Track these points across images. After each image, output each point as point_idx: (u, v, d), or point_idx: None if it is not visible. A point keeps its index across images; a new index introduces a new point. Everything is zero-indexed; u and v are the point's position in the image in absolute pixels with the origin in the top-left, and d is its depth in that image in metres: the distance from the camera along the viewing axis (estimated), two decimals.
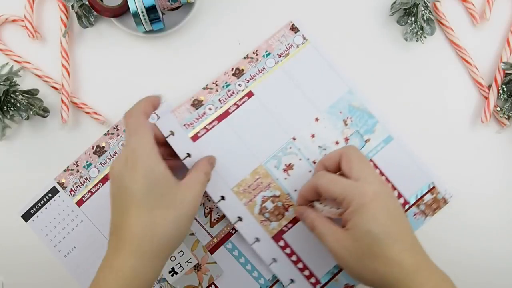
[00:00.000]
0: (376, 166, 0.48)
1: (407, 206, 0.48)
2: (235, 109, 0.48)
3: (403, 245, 0.37)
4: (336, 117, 0.48)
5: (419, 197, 0.49)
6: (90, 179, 0.48)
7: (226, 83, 0.48)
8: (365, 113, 0.48)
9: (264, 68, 0.48)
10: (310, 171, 0.48)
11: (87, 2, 0.46)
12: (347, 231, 0.38)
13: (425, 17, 0.46)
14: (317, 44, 0.48)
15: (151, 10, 0.44)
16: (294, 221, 0.48)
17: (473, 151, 0.49)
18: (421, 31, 0.46)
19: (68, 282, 0.49)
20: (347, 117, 0.48)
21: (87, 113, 0.48)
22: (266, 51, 0.48)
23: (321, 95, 0.48)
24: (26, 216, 0.49)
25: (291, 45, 0.48)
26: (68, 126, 0.49)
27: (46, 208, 0.49)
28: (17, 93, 0.46)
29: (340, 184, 0.39)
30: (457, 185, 0.49)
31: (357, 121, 0.48)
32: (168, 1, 0.45)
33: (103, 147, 0.48)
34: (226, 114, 0.48)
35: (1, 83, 0.45)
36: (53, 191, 0.49)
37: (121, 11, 0.46)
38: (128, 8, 0.44)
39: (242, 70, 0.48)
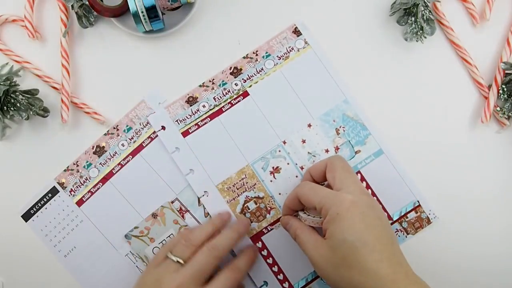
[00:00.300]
0: (363, 179, 0.48)
1: (389, 222, 0.48)
2: (228, 108, 0.48)
3: (380, 254, 0.37)
4: (329, 125, 0.48)
5: (403, 214, 0.48)
6: (90, 179, 0.48)
7: (222, 81, 0.48)
8: (359, 124, 0.48)
9: (262, 69, 0.48)
10: (296, 176, 0.48)
11: (87, 2, 0.46)
12: (325, 240, 0.38)
13: (425, 17, 0.46)
14: (318, 50, 0.48)
15: (151, 10, 0.44)
16: (274, 224, 0.48)
17: (473, 151, 0.49)
18: (421, 31, 0.46)
19: (68, 282, 0.49)
20: (340, 126, 0.48)
21: (87, 113, 0.48)
22: (266, 52, 0.48)
23: (316, 102, 0.48)
24: (26, 216, 0.49)
25: (292, 48, 0.48)
26: (68, 126, 0.49)
27: (46, 208, 0.49)
28: (17, 93, 0.46)
29: (319, 193, 0.40)
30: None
31: (350, 131, 0.48)
32: (168, 1, 0.45)
33: (103, 147, 0.48)
34: (219, 112, 0.48)
35: (1, 83, 0.45)
36: (53, 191, 0.49)
37: (121, 11, 0.46)
38: (128, 8, 0.44)
39: (240, 69, 0.48)
